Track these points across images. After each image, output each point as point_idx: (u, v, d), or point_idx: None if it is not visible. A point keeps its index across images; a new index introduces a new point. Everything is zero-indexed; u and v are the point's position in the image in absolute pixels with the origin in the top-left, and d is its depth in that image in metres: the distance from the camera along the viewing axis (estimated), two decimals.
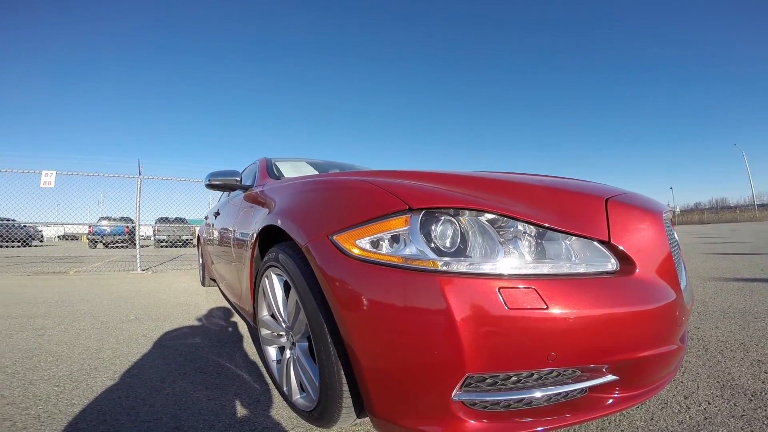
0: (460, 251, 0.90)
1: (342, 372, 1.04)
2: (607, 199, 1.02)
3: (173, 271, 6.46)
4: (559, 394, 0.89)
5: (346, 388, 1.04)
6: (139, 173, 6.88)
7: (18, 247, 13.71)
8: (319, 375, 1.13)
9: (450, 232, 0.92)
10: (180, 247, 13.45)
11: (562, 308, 0.81)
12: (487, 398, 0.86)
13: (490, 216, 0.94)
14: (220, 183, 2.35)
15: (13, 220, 7.71)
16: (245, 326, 2.65)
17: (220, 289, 3.98)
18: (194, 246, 7.91)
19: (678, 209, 49.31)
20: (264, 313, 1.62)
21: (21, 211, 6.80)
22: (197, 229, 5.64)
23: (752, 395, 1.39)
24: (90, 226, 12.75)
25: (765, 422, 1.21)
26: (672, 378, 1.08)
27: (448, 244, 0.91)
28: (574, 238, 0.94)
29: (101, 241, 14.31)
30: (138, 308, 3.26)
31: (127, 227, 11.49)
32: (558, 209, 0.98)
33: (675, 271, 1.03)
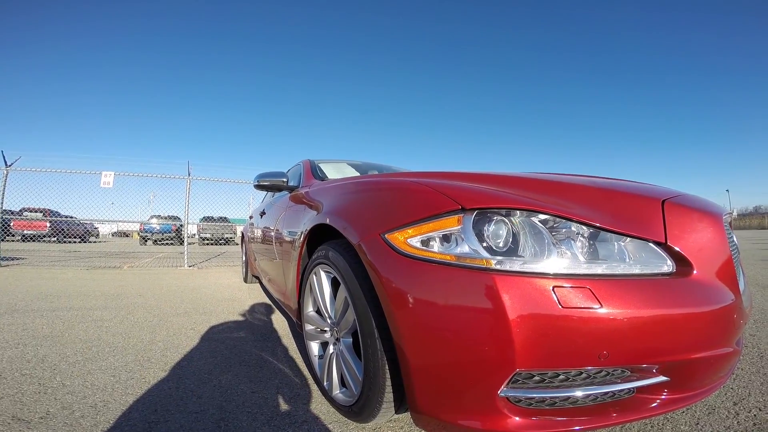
0: (512, 250, 0.89)
1: (387, 367, 1.05)
2: (663, 201, 1.00)
3: (217, 268, 6.74)
4: (606, 393, 0.87)
5: (389, 383, 1.06)
6: (189, 174, 7.23)
7: (77, 242, 14.92)
8: (363, 370, 1.14)
9: (503, 232, 0.92)
10: (222, 244, 14.06)
11: (616, 308, 0.80)
12: (533, 395, 0.85)
13: (542, 216, 0.93)
14: (268, 184, 2.46)
15: (73, 218, 8.32)
16: (286, 322, 2.71)
17: (262, 285, 4.10)
18: (236, 244, 8.22)
19: (735, 212, 46.41)
20: (309, 309, 1.66)
21: (80, 209, 7.34)
22: (239, 228, 5.85)
23: None
24: (141, 224, 13.53)
25: None
26: (724, 383, 1.04)
27: (500, 244, 0.91)
28: (628, 239, 0.92)
29: (150, 238, 15.17)
30: (186, 302, 3.41)
31: (175, 225, 12.12)
32: (612, 210, 0.97)
33: (735, 274, 1.00)
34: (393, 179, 1.37)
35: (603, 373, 0.85)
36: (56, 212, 9.52)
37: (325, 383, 1.47)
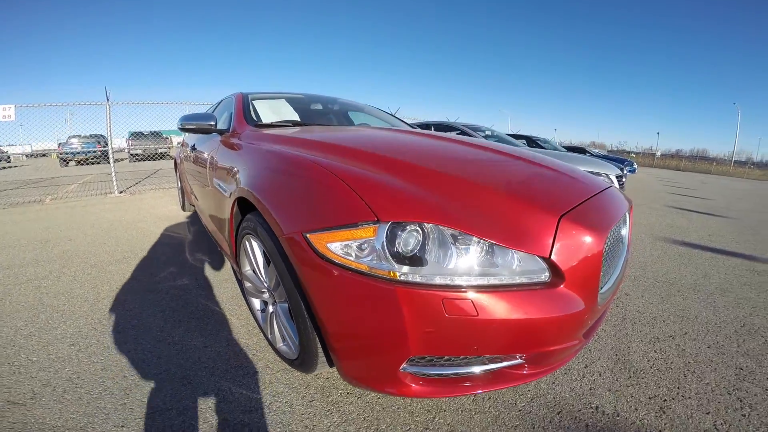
0: (417, 260, 1.05)
1: (317, 340, 1.31)
2: (560, 217, 1.15)
3: (151, 193, 6.46)
4: (481, 369, 1.15)
5: (321, 351, 1.34)
6: (108, 99, 6.62)
7: None
8: (298, 336, 1.40)
9: (412, 243, 1.07)
10: (157, 159, 12.96)
11: (489, 316, 1.02)
12: (426, 371, 1.14)
13: (450, 231, 1.07)
14: (194, 127, 2.34)
15: None
16: (227, 263, 2.93)
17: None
18: (171, 158, 7.72)
19: (659, 153, 53.45)
20: (247, 269, 1.81)
21: None
22: (176, 139, 5.48)
23: (633, 373, 1.73)
24: (59, 145, 11.94)
25: (630, 399, 1.54)
26: (571, 358, 1.38)
27: (408, 254, 1.06)
28: (521, 252, 1.08)
29: (73, 159, 13.62)
30: (122, 244, 3.44)
31: (99, 144, 10.71)
32: (512, 223, 1.12)
33: (596, 284, 1.20)
34: (317, 162, 1.42)
35: (478, 358, 1.14)
36: None
37: (269, 335, 1.72)
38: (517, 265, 1.08)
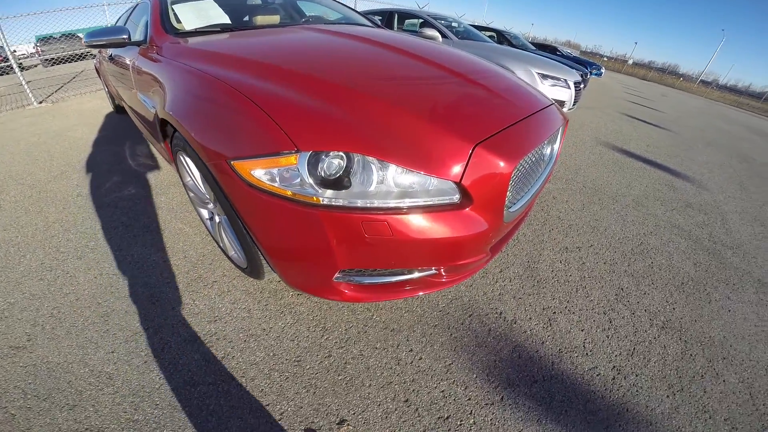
0: (338, 184, 1.12)
1: (260, 254, 1.43)
2: (475, 146, 1.20)
3: (77, 98, 5.66)
4: (406, 277, 1.31)
5: (265, 263, 1.48)
6: None
7: None
8: (241, 248, 1.52)
9: (334, 168, 1.12)
10: (77, 60, 10.59)
11: (403, 236, 1.14)
12: (357, 279, 1.31)
13: (369, 158, 1.12)
14: (105, 43, 2.06)
15: None
16: (171, 167, 2.79)
17: None
18: (93, 56, 6.39)
19: (631, 61, 56.65)
20: (187, 179, 1.82)
21: None
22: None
23: (537, 282, 1.89)
24: None
25: (528, 308, 1.72)
26: (483, 267, 1.54)
27: (331, 177, 1.12)
28: (434, 178, 1.15)
29: None
30: (56, 158, 3.23)
31: None
32: (429, 151, 1.16)
33: (502, 206, 1.29)
34: (235, 88, 1.34)
35: (398, 270, 1.29)
36: None
37: (221, 244, 1.83)
38: (431, 189, 1.16)
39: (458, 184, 1.16)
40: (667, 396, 1.50)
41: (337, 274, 1.27)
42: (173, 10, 2.25)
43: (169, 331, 1.59)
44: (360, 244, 1.15)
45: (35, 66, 12.19)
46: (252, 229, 1.30)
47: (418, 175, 1.14)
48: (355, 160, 1.12)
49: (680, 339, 1.79)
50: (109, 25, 2.11)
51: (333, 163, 1.11)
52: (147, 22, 2.23)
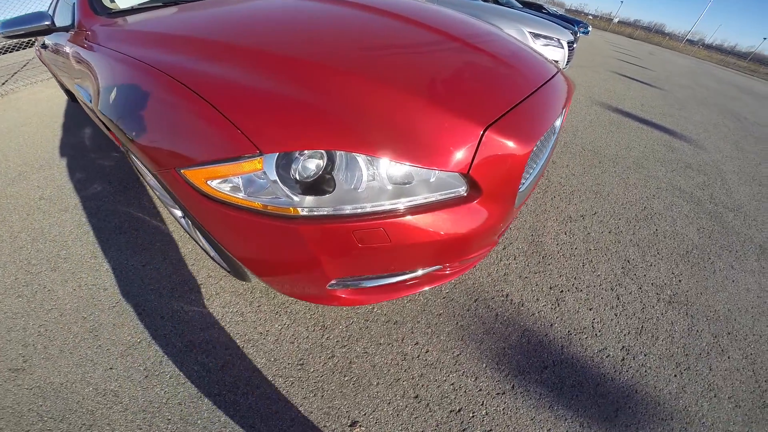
0: (319, 188, 0.93)
1: (237, 261, 1.25)
2: (485, 129, 1.01)
3: (27, 89, 5.05)
4: (407, 276, 1.16)
5: (246, 270, 1.32)
6: None
7: None
8: (217, 253, 1.36)
9: (310, 170, 0.93)
10: (28, 47, 9.39)
11: (401, 242, 0.98)
12: (353, 285, 1.14)
13: (353, 154, 0.92)
14: (24, 33, 1.77)
15: None
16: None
17: None
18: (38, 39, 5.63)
19: (617, 20, 58.39)
20: (149, 178, 1.62)
21: None
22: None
23: (542, 258, 1.79)
24: None
25: (534, 288, 1.65)
26: (486, 255, 1.42)
27: (308, 181, 0.93)
28: (438, 171, 0.98)
29: None
30: (12, 157, 2.94)
31: None
32: (430, 140, 0.96)
33: (515, 190, 1.13)
34: (176, 79, 1.07)
35: (398, 272, 1.14)
36: None
37: (200, 243, 1.67)
38: (433, 183, 0.99)
39: (466, 174, 0.99)
40: (675, 375, 1.50)
41: (331, 282, 1.12)
42: None
43: (162, 342, 1.51)
44: (353, 254, 0.99)
45: None
46: (223, 244, 1.13)
47: (418, 170, 0.96)
48: (337, 155, 0.92)
49: (687, 314, 1.78)
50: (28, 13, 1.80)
51: (309, 163, 0.92)
52: (72, 3, 1.93)
